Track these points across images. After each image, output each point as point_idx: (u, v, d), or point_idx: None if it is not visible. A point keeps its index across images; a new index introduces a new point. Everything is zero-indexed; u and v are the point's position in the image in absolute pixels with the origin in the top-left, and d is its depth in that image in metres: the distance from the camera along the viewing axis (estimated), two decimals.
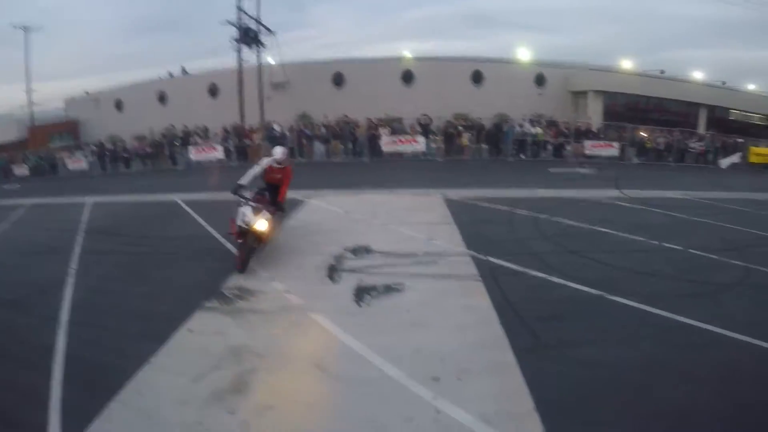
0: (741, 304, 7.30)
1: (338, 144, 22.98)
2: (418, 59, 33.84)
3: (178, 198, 14.01)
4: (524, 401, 4.46)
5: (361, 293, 6.57)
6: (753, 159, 27.01)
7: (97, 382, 4.67)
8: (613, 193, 15.51)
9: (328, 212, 11.44)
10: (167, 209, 13.00)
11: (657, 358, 5.56)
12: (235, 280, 7.11)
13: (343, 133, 23.18)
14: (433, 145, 22.18)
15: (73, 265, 8.47)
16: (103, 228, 11.32)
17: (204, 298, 6.48)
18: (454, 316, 6.11)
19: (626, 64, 35.57)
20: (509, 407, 4.40)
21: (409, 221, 10.27)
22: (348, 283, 6.96)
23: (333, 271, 7.41)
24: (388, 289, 6.72)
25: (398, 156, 21.12)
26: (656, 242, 10.08)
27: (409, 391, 4.48)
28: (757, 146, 27.96)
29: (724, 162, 25.79)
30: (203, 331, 5.65)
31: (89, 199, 15.11)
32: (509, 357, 5.20)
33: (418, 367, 4.87)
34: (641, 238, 10.31)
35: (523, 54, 34.65)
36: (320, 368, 4.87)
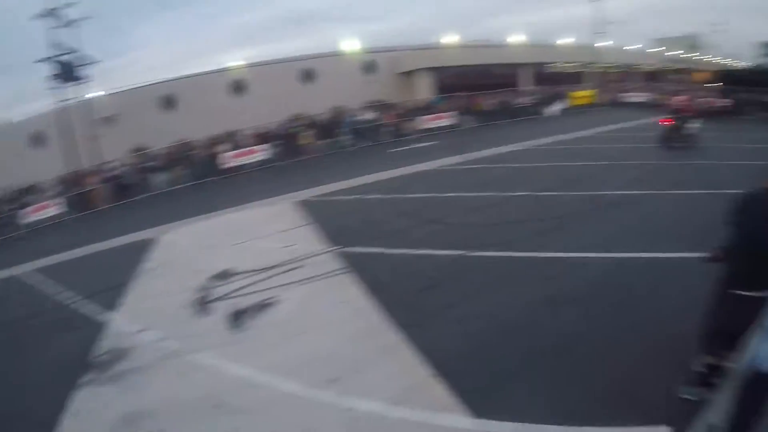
0: (588, 228, 8.31)
1: (179, 170, 21.55)
2: (249, 66, 33.09)
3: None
4: (424, 372, 4.59)
5: (237, 318, 6.34)
6: (574, 102, 30.50)
7: None
8: (455, 159, 16.39)
9: (184, 244, 10.73)
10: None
11: (531, 295, 6.00)
12: (105, 344, 6.35)
13: (181, 157, 21.88)
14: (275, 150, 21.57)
15: None
16: None
17: (77, 375, 5.65)
18: (332, 314, 6.11)
19: (449, 38, 37.50)
20: (412, 382, 4.50)
21: (266, 233, 10.02)
22: (221, 312, 6.65)
23: (203, 305, 7.02)
24: (262, 307, 6.55)
25: (242, 169, 20.30)
26: (503, 194, 10.92)
27: (314, 400, 4.42)
28: (576, 91, 31.56)
29: (551, 110, 28.45)
30: (89, 411, 4.91)
31: None
32: (396, 336, 5.31)
33: (313, 374, 4.82)
34: (490, 193, 11.10)
35: (351, 45, 35.21)
36: (219, 408, 4.58)
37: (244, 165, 20.13)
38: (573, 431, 3.87)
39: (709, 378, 3.99)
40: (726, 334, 3.80)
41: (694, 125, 15.99)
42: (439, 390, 4.34)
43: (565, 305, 5.74)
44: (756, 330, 3.39)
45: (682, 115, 16.13)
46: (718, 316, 3.94)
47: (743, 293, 3.69)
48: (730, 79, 30.12)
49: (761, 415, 0.86)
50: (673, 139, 15.54)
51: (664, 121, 16.25)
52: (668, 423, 3.81)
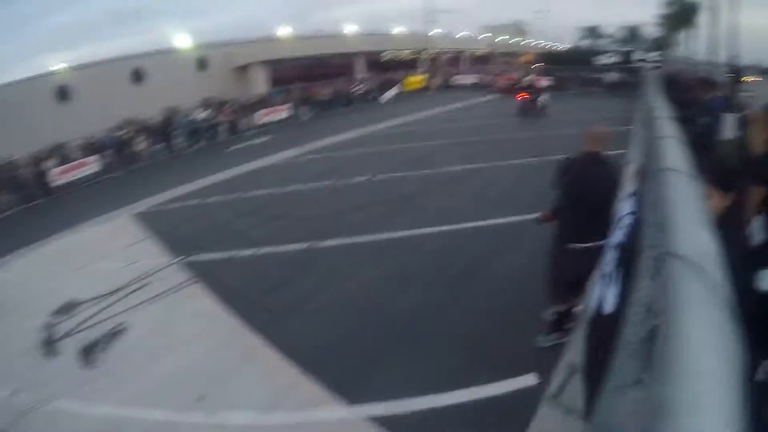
0: (430, 204, 9.23)
1: (3, 194, 19.23)
2: (74, 69, 29.30)
3: None
4: (291, 371, 4.72)
5: (88, 354, 5.89)
6: (408, 87, 32.28)
7: None
8: (295, 151, 16.75)
9: (16, 280, 9.38)
10: None
11: (381, 276, 6.52)
12: None
13: (3, 181, 19.63)
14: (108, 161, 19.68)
15: None
16: None
17: None
18: (187, 328, 5.99)
19: (284, 30, 37.26)
20: (281, 384, 4.61)
21: (107, 252, 9.31)
22: (70, 349, 6.08)
23: (49, 346, 6.32)
24: (113, 335, 6.18)
25: (74, 185, 18.19)
26: (344, 181, 11.56)
27: (184, 424, 4.31)
28: (410, 77, 33.38)
29: (385, 96, 29.80)
30: None
31: None
32: (256, 340, 5.41)
33: (178, 396, 4.70)
34: (332, 182, 11.64)
35: (182, 41, 33.37)
36: None
37: (76, 180, 18.35)
38: (446, 397, 4.17)
39: (562, 324, 4.63)
40: (569, 283, 4.41)
41: (545, 98, 19.89)
42: (309, 386, 4.48)
43: (415, 280, 6.26)
44: (595, 276, 3.92)
45: (534, 89, 20.31)
46: (560, 269, 4.40)
47: (577, 246, 4.15)
48: (552, 59, 34.21)
49: (611, 350, 1.15)
50: (529, 110, 19.23)
51: (519, 96, 19.95)
52: (535, 370, 4.27)
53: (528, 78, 24.73)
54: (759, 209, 2.28)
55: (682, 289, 0.81)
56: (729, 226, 2.11)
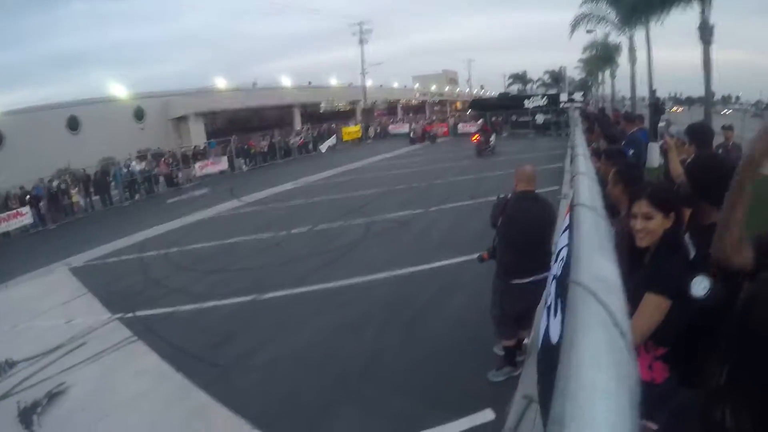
0: (370, 252, 9.53)
1: None
2: (6, 114, 28.26)
3: None
4: (241, 427, 4.68)
5: (27, 417, 5.59)
6: (346, 137, 33.58)
7: None
8: (233, 203, 16.98)
9: None
10: None
11: (328, 325, 6.65)
12: None
13: None
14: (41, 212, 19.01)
15: None
16: None
17: None
18: (130, 387, 5.85)
19: (221, 82, 37.70)
20: None
21: (42, 310, 9.04)
22: (7, 412, 5.76)
23: None
24: (53, 396, 5.93)
25: (5, 237, 17.52)
26: (285, 232, 11.77)
27: None
28: (347, 127, 34.52)
29: (323, 146, 30.57)
30: None
31: None
32: (204, 397, 5.30)
33: None
34: (272, 234, 11.83)
35: (119, 90, 33.13)
36: None
37: (8, 232, 17.70)
38: None
39: (513, 358, 4.87)
40: (516, 317, 4.68)
41: (493, 139, 23.03)
42: None
43: (364, 327, 6.41)
44: (538, 308, 4.27)
45: (485, 132, 23.48)
46: (504, 304, 4.63)
47: (518, 281, 4.43)
48: (483, 105, 36.23)
49: None
50: (484, 150, 22.12)
51: (474, 138, 23.25)
52: (491, 405, 4.40)
53: (479, 122, 27.98)
54: (686, 228, 2.58)
55: (576, 314, 0.86)
56: (676, 244, 2.39)
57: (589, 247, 1.23)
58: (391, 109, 56.69)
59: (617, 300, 0.90)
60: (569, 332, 0.82)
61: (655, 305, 2.24)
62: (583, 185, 2.20)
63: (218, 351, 6.42)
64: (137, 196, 22.15)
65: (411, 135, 33.54)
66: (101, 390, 5.97)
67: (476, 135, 23.53)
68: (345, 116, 44.71)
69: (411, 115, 53.33)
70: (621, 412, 0.58)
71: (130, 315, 8.15)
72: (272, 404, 5.02)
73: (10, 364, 7.12)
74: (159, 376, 6.04)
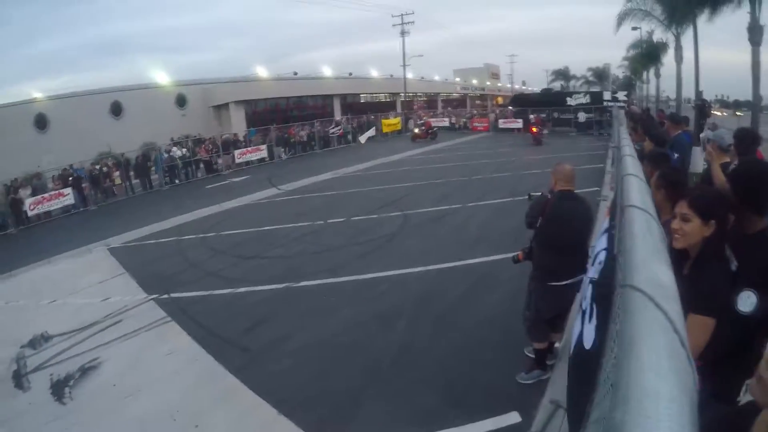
0: (406, 246, 9.35)
1: None
2: (52, 98, 29.33)
3: None
4: (266, 413, 4.63)
5: (60, 389, 5.68)
6: (385, 129, 33.24)
7: None
8: (271, 191, 16.95)
9: None
10: None
11: (360, 316, 6.56)
12: None
13: None
14: (83, 193, 19.49)
15: None
16: None
17: None
18: (161, 367, 5.87)
19: (263, 71, 37.97)
20: (256, 426, 4.53)
21: (80, 287, 9.23)
22: (41, 383, 5.90)
23: (19, 379, 6.15)
24: (86, 371, 6.01)
25: (47, 216, 17.88)
26: (321, 221, 11.70)
27: None
28: (387, 119, 34.29)
29: (362, 138, 30.35)
30: None
31: None
32: (232, 380, 5.31)
33: None
34: (309, 223, 11.75)
35: (162, 77, 33.82)
36: None
37: (50, 211, 18.08)
38: None
39: (543, 361, 4.70)
40: (549, 320, 4.51)
41: (544, 132, 25.31)
42: (285, 428, 4.39)
43: (395, 320, 6.28)
44: (573, 312, 4.08)
45: (537, 125, 26.26)
46: (538, 306, 4.46)
47: (555, 283, 4.25)
48: (525, 101, 35.54)
49: (593, 386, 1.12)
50: (540, 140, 25.01)
51: (531, 129, 26.25)
52: (518, 407, 4.27)
53: (532, 117, 29.11)
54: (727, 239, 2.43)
55: (634, 319, 0.85)
56: (717, 255, 2.27)
57: (644, 251, 1.21)
58: (431, 102, 56.28)
59: (676, 306, 0.92)
60: (626, 338, 0.82)
61: (700, 326, 2.12)
62: (633, 186, 2.14)
63: (249, 336, 6.39)
64: (177, 181, 22.36)
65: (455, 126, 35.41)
66: (133, 367, 6.01)
67: (534, 127, 26.42)
68: (384, 108, 44.47)
69: (449, 109, 52.80)
70: (685, 420, 0.58)
71: (165, 296, 8.20)
72: (299, 391, 4.99)
73: (46, 338, 7.27)
74: (190, 357, 6.05)
